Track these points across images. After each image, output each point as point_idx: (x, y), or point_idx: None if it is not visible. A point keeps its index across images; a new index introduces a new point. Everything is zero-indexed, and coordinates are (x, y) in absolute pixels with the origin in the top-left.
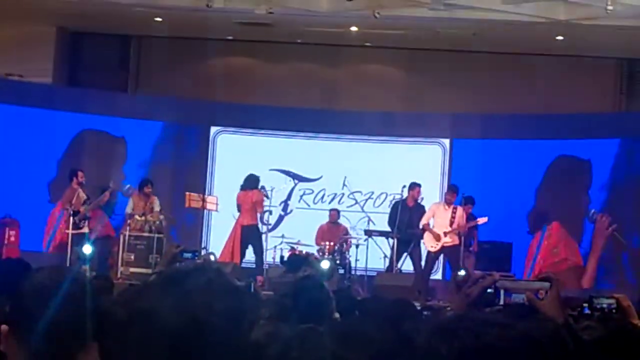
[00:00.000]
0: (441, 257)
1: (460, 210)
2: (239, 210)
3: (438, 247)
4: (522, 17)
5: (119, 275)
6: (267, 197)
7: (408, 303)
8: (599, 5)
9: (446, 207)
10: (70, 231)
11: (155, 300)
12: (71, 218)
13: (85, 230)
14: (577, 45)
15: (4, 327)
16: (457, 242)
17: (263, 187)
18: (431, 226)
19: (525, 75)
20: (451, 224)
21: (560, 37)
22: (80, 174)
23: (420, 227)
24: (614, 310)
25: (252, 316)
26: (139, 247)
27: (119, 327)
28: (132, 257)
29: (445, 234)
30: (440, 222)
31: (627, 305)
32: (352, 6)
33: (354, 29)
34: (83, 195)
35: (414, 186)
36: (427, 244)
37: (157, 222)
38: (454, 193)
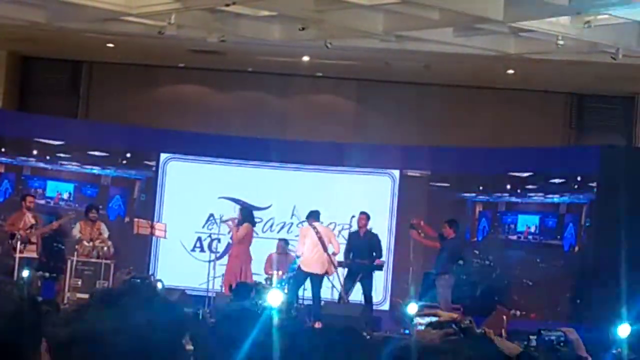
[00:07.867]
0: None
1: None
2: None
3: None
4: (473, 50)
5: (65, 300)
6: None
7: (355, 332)
8: (549, 40)
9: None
10: (17, 255)
11: (95, 321)
12: (18, 242)
13: (28, 254)
14: (527, 79)
15: None
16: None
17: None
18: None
19: (476, 108)
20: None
21: (510, 71)
22: (29, 198)
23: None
24: (562, 343)
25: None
26: (86, 272)
27: (60, 350)
28: (80, 282)
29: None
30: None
31: (575, 339)
32: (304, 36)
33: (305, 58)
34: (31, 220)
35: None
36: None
37: (105, 248)
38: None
